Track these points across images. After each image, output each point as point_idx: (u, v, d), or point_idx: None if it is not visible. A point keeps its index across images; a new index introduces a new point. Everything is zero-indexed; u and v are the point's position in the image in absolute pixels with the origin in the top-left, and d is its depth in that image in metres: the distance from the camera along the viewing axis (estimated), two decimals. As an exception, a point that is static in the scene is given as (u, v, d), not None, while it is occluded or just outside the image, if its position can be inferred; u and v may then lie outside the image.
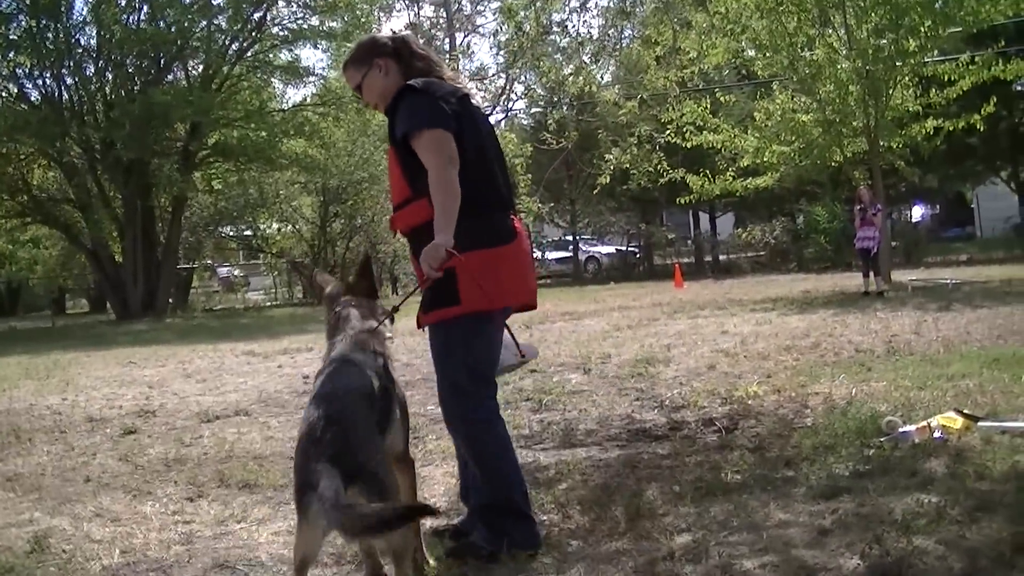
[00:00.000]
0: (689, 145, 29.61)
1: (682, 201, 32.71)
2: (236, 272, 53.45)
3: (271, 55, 37.34)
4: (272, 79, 39.63)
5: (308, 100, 38.84)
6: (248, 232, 47.35)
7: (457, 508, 6.04)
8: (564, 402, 9.82)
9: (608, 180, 40.31)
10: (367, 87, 5.35)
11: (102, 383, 14.35)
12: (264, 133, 33.91)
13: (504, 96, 50.71)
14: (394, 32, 5.47)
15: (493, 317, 5.16)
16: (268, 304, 43.74)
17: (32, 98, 36.00)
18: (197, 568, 5.36)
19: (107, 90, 35.76)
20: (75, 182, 35.96)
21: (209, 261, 51.61)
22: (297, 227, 44.89)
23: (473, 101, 5.26)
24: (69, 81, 35.41)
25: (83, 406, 12.04)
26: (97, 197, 35.92)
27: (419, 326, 5.30)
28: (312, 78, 39.05)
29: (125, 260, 35.73)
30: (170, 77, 37.19)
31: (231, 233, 48.40)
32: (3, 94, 35.86)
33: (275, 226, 45.67)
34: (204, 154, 36.80)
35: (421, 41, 5.97)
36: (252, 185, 40.34)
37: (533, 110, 50.52)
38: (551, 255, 49.63)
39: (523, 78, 49.49)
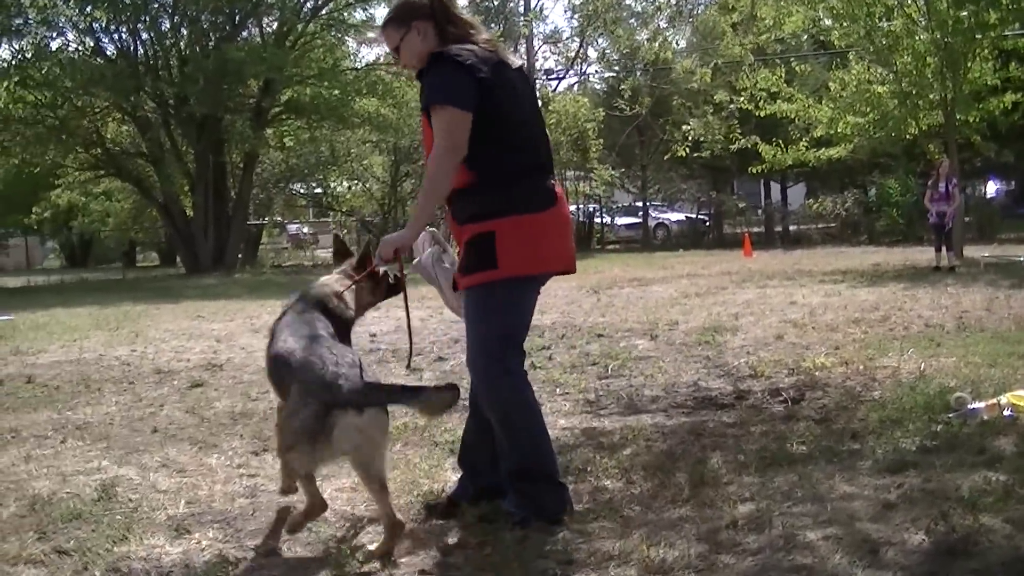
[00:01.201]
0: (762, 114, 29.41)
1: (754, 170, 32.59)
2: (305, 229, 53.66)
3: (345, 13, 37.24)
4: (346, 37, 39.60)
5: (381, 59, 38.76)
6: (318, 190, 47.53)
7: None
8: (630, 368, 9.81)
9: (686, 153, 40.16)
10: (405, 49, 5.23)
11: (171, 336, 14.49)
12: (337, 91, 33.93)
13: (577, 60, 50.60)
14: None
15: (530, 283, 5.20)
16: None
17: (108, 52, 36.21)
18: (260, 521, 5.42)
19: (182, 45, 35.87)
20: (148, 136, 36.17)
21: (279, 218, 51.87)
22: (367, 186, 44.99)
23: (512, 66, 5.17)
24: (144, 36, 35.60)
25: (152, 358, 12.16)
26: (170, 152, 36.18)
27: (455, 289, 5.37)
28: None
29: (196, 215, 35.99)
30: (244, 34, 37.32)
31: (301, 190, 48.62)
32: (79, 48, 36.10)
33: (345, 184, 45.79)
34: (276, 111, 36.89)
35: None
36: (323, 143, 40.44)
37: (607, 75, 50.23)
38: (620, 220, 49.44)
39: (597, 43, 49.34)
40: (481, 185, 4.99)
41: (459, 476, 5.61)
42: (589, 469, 6.00)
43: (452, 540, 5.00)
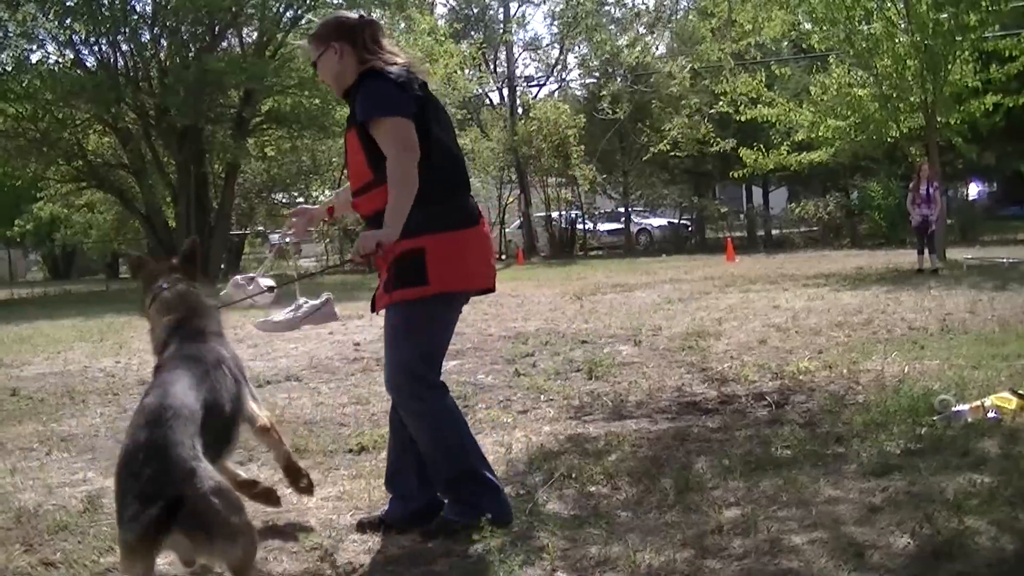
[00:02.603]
0: (743, 118, 29.49)
1: (735, 175, 32.60)
2: (287, 239, 53.39)
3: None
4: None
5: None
6: (300, 199, 47.47)
7: (508, 474, 6.08)
8: (615, 373, 9.82)
9: (667, 148, 40.18)
10: (321, 66, 5.39)
11: (147, 349, 14.43)
12: (317, 101, 33.83)
13: (557, 66, 50.74)
14: (362, 16, 5.42)
15: (456, 299, 5.25)
16: (320, 270, 43.86)
17: (88, 64, 36.10)
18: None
19: (162, 56, 35.82)
20: (130, 148, 36.10)
21: (261, 227, 51.77)
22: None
23: (430, 95, 5.23)
24: (124, 48, 35.49)
25: (136, 369, 12.15)
26: (151, 163, 36.09)
27: (375, 309, 5.36)
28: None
29: (178, 225, 35.89)
30: (224, 44, 37.21)
31: (283, 200, 48.56)
32: (60, 60, 36.05)
33: (327, 193, 45.68)
34: (257, 121, 36.76)
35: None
36: (305, 152, 40.41)
37: (587, 81, 50.30)
38: (603, 226, 49.44)
39: (577, 49, 49.43)
40: None
41: (390, 498, 5.53)
42: (575, 475, 6.01)
43: (436, 549, 4.98)
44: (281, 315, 6.39)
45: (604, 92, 43.45)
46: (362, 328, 14.51)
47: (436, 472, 5.23)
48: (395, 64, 5.14)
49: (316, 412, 8.59)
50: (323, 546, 5.10)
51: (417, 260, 4.96)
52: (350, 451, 7.06)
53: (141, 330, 13.65)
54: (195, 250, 5.44)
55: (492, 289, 5.42)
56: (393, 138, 4.88)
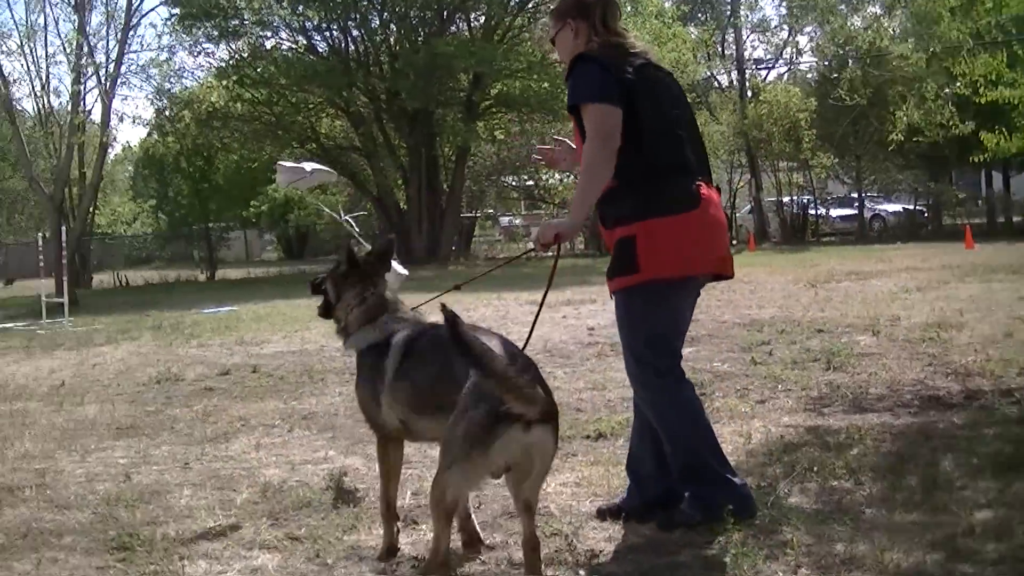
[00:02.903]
0: (982, 100, 28.54)
1: (975, 159, 31.58)
2: (517, 221, 53.88)
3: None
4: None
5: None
6: (530, 182, 47.72)
7: (748, 465, 6.00)
8: (853, 364, 9.59)
9: (901, 139, 39.12)
10: (559, 43, 5.38)
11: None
12: (547, 84, 33.95)
13: (787, 49, 49.95)
14: None
15: (675, 286, 5.08)
16: (549, 255, 43.92)
17: (320, 50, 37.11)
18: (486, 514, 5.46)
19: (392, 41, 36.52)
20: (361, 131, 36.88)
21: (491, 210, 52.28)
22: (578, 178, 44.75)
23: (656, 67, 5.21)
24: (355, 33, 36.41)
25: (371, 350, 12.36)
26: (383, 146, 36.80)
27: (610, 292, 5.30)
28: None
29: (409, 207, 36.53)
30: (452, 28, 37.69)
31: (513, 183, 48.87)
32: (293, 47, 36.99)
33: (557, 176, 45.81)
34: (487, 104, 37.09)
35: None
36: (534, 135, 40.53)
37: (818, 63, 49.27)
38: (835, 212, 48.43)
39: (807, 31, 48.53)
40: (622, 187, 4.97)
41: (628, 485, 5.49)
42: (816, 468, 5.87)
43: (677, 539, 4.93)
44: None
45: (836, 75, 42.53)
46: (595, 312, 14.50)
47: (672, 461, 5.18)
48: (616, 45, 5.11)
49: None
50: (563, 532, 5.07)
51: (628, 247, 4.96)
52: (587, 437, 7.06)
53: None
54: (390, 248, 5.49)
55: (726, 275, 5.30)
56: (592, 125, 4.88)
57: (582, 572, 4.56)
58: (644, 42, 5.46)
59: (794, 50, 50.23)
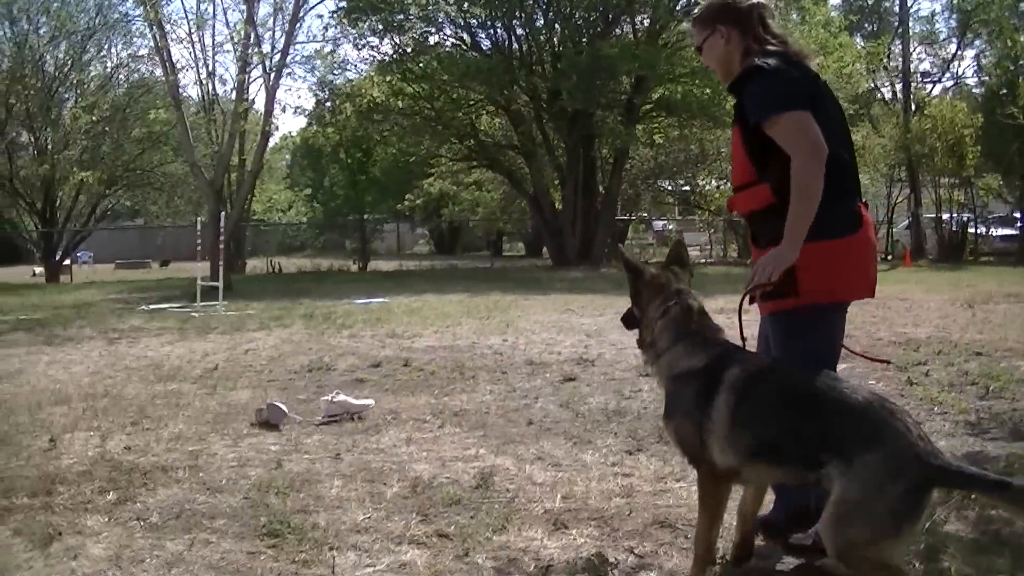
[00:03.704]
0: None
1: None
2: (671, 227, 53.59)
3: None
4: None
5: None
6: (686, 187, 47.48)
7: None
8: (1013, 390, 9.26)
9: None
10: (707, 50, 5.09)
11: (540, 327, 14.69)
12: (708, 90, 33.65)
13: (955, 63, 49.01)
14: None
15: (832, 309, 4.89)
16: (702, 261, 43.65)
17: (483, 47, 37.25)
18: (637, 522, 5.38)
19: (555, 41, 36.54)
20: (521, 129, 37.00)
21: (645, 214, 52.11)
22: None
23: (823, 88, 4.86)
24: (519, 32, 36.51)
25: (523, 349, 12.37)
26: (541, 145, 36.87)
27: (762, 313, 5.07)
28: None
29: (564, 208, 36.53)
30: (617, 31, 37.56)
31: (669, 187, 48.67)
32: (457, 43, 37.25)
33: (714, 183, 45.53)
34: (647, 108, 36.85)
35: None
36: (693, 141, 40.33)
37: (985, 78, 48.16)
38: (996, 231, 47.24)
39: (976, 45, 47.54)
40: (782, 206, 4.57)
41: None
42: (974, 496, 5.65)
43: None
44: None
45: (1004, 92, 41.50)
46: (749, 323, 14.27)
47: None
48: (782, 53, 4.81)
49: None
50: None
51: (789, 270, 4.54)
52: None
53: (527, 309, 13.81)
54: (682, 252, 4.94)
55: (871, 296, 5.01)
56: (795, 136, 4.52)
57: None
58: (802, 46, 5.05)
59: (959, 64, 49.26)
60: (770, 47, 4.84)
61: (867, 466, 3.80)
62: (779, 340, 4.95)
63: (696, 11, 5.24)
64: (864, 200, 4.97)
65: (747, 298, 4.76)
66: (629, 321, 4.91)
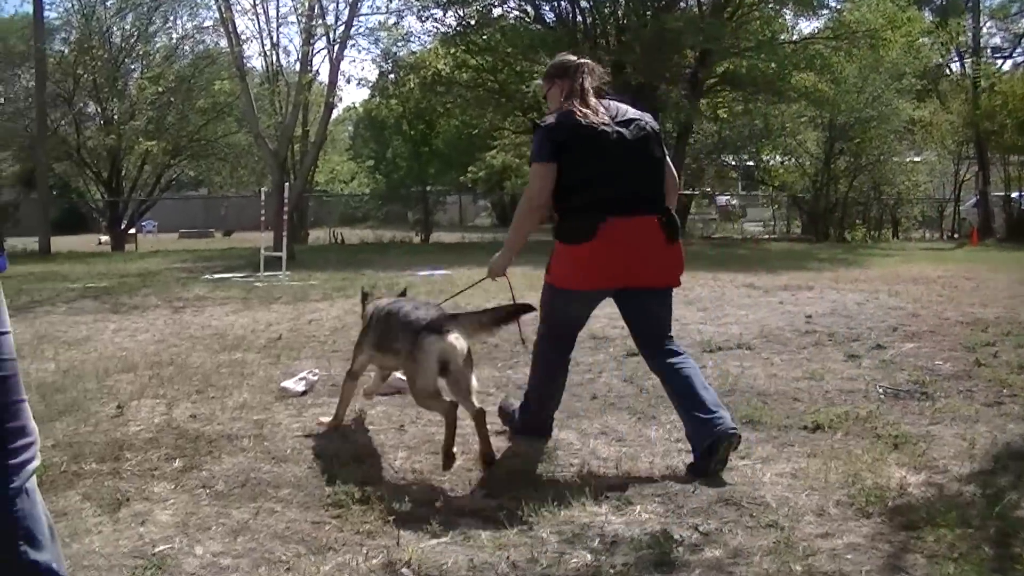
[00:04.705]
0: None
1: None
2: (734, 202, 53.35)
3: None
4: (784, 10, 38.82)
5: (819, 33, 37.92)
6: (750, 163, 47.20)
7: (971, 472, 5.76)
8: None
9: None
10: (550, 98, 6.64)
11: (604, 302, 14.58)
12: (773, 64, 33.43)
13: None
14: (578, 58, 6.57)
15: (568, 293, 6.46)
16: (765, 237, 43.41)
17: (547, 20, 37.12)
18: (701, 499, 5.35)
19: (619, 14, 36.31)
20: (583, 103, 36.87)
21: (708, 189, 51.86)
22: (800, 161, 44.19)
23: (598, 128, 6.15)
24: (583, 4, 36.28)
25: (587, 323, 12.31)
26: (604, 118, 36.72)
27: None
28: (825, 11, 38.06)
29: (626, 182, 36.38)
30: (682, 4, 37.31)
31: (732, 162, 48.41)
32: (521, 15, 37.16)
33: (778, 158, 45.22)
34: (712, 82, 36.66)
35: None
36: (758, 116, 39.99)
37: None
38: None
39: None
40: (560, 215, 6.33)
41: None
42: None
43: (902, 540, 4.76)
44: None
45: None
46: (812, 300, 14.20)
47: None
48: (566, 111, 6.23)
49: (769, 384, 8.41)
50: (778, 524, 4.96)
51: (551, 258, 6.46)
52: (804, 428, 6.85)
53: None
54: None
55: (615, 286, 6.43)
56: (530, 181, 6.31)
57: (798, 568, 4.41)
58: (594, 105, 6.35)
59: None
60: (573, 102, 6.26)
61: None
62: (542, 293, 6.71)
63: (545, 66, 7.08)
64: (642, 210, 6.27)
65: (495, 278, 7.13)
66: None
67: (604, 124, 6.17)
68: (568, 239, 6.22)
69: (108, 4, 41.99)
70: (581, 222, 6.10)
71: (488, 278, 7.14)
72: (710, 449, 5.74)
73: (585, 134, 6.09)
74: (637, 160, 6.28)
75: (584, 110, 6.18)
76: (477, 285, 8.18)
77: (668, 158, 6.64)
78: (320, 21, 30.65)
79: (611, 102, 6.45)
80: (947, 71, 49.36)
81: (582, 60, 6.51)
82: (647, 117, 6.55)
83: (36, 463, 3.26)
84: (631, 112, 6.44)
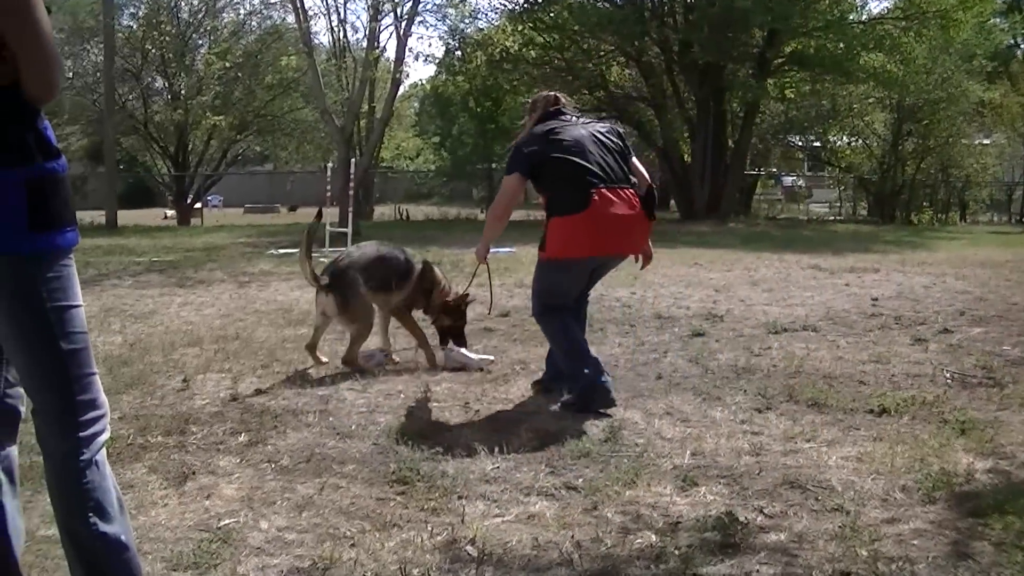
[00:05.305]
0: None
1: None
2: (800, 183, 52.91)
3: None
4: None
5: (888, 13, 37.50)
6: (816, 143, 46.81)
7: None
8: None
9: None
10: (526, 127, 7.46)
11: (669, 281, 14.58)
12: (842, 45, 33.11)
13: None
14: (548, 94, 7.56)
15: (566, 261, 7.09)
16: (831, 218, 43.02)
17: (616, -3, 37.02)
18: (767, 481, 5.34)
19: (688, -8, 36.16)
20: (651, 81, 36.71)
21: (774, 169, 51.47)
22: (867, 142, 43.78)
23: (564, 130, 7.10)
24: (651, -19, 36.13)
25: (651, 303, 12.30)
26: (671, 97, 36.56)
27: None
28: (896, -9, 37.61)
29: (693, 161, 36.16)
30: (753, -18, 37.09)
31: (799, 143, 48.05)
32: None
33: (845, 139, 44.82)
34: (779, 62, 36.29)
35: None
36: (825, 96, 39.59)
37: None
38: None
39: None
40: (547, 207, 7.15)
41: None
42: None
43: (968, 528, 4.72)
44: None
45: None
46: (879, 282, 14.09)
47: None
48: (539, 133, 7.14)
49: (835, 366, 8.34)
50: (844, 508, 4.92)
51: (543, 236, 7.15)
52: (870, 411, 6.79)
53: (655, 262, 13.85)
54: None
55: (627, 254, 7.51)
56: (503, 190, 7.28)
57: (863, 553, 4.38)
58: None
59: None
60: (547, 123, 7.19)
61: None
62: (535, 274, 7.45)
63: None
64: (618, 185, 7.03)
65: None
66: None
67: (575, 123, 7.25)
68: (564, 211, 6.92)
69: (176, -20, 42.37)
70: (576, 194, 6.83)
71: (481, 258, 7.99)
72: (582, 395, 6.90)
73: (557, 135, 7.04)
74: (607, 149, 7.09)
75: (557, 119, 7.23)
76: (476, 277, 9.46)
77: (634, 157, 7.44)
78: (388, -2, 30.69)
79: (581, 117, 7.53)
80: (1018, 52, 48.68)
81: (554, 94, 7.56)
82: (611, 125, 7.69)
83: (106, 436, 3.30)
84: (598, 122, 7.62)
